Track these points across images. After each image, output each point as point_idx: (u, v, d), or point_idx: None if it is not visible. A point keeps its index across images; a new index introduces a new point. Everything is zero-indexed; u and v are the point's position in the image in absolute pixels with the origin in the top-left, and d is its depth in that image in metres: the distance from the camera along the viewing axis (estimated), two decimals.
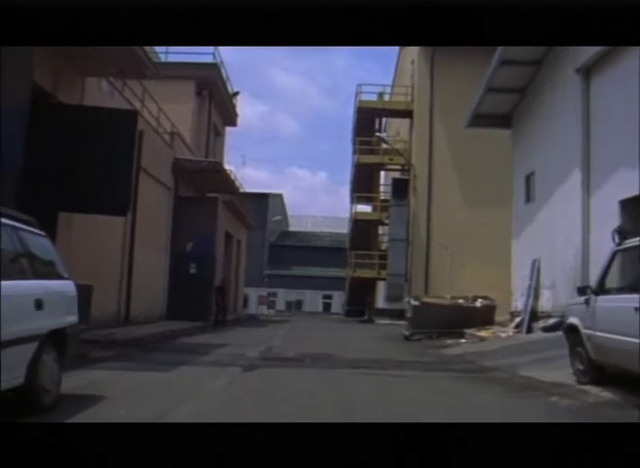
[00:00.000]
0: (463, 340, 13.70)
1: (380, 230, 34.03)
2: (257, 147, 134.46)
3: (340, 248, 61.29)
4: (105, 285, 15.74)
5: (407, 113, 31.08)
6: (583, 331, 7.20)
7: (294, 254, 65.11)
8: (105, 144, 11.72)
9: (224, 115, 31.50)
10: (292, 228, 73.63)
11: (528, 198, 16.49)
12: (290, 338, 16.57)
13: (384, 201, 31.86)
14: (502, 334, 12.98)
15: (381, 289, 29.85)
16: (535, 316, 14.32)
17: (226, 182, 23.98)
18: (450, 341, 14.03)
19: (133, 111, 14.01)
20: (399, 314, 28.29)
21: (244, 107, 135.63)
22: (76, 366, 7.37)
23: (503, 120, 17.74)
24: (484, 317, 15.79)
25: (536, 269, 14.68)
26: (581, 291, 7.43)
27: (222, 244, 32.13)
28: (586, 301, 7.19)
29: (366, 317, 35.10)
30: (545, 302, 14.15)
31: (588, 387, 7.00)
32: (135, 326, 16.59)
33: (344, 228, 61.70)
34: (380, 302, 29.77)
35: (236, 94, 33.26)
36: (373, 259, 31.20)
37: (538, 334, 12.52)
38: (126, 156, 12.15)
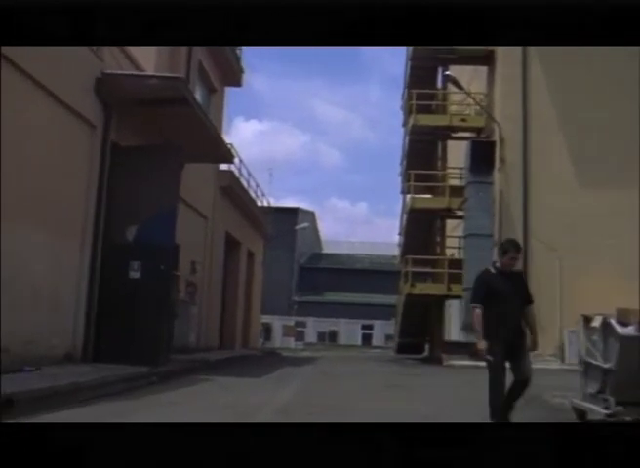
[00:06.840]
0: None
1: (450, 225, 23.71)
2: (298, 177, 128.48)
3: (381, 271, 52.75)
4: None
5: (484, 57, 21.41)
6: None
7: (327, 279, 57.24)
8: None
9: (222, 66, 21.94)
10: (325, 251, 65.68)
11: None
12: (292, 419, 6.48)
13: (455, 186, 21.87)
14: None
15: (453, 311, 19.67)
16: None
17: (202, 129, 14.20)
18: None
19: None
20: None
21: (285, 139, 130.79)
22: None
23: None
24: None
25: None
26: None
27: (222, 250, 22.82)
28: None
29: (427, 353, 24.60)
30: None
31: None
32: None
33: (385, 251, 52.67)
34: (453, 332, 19.59)
35: None
36: (439, 267, 20.91)
37: None
38: None
